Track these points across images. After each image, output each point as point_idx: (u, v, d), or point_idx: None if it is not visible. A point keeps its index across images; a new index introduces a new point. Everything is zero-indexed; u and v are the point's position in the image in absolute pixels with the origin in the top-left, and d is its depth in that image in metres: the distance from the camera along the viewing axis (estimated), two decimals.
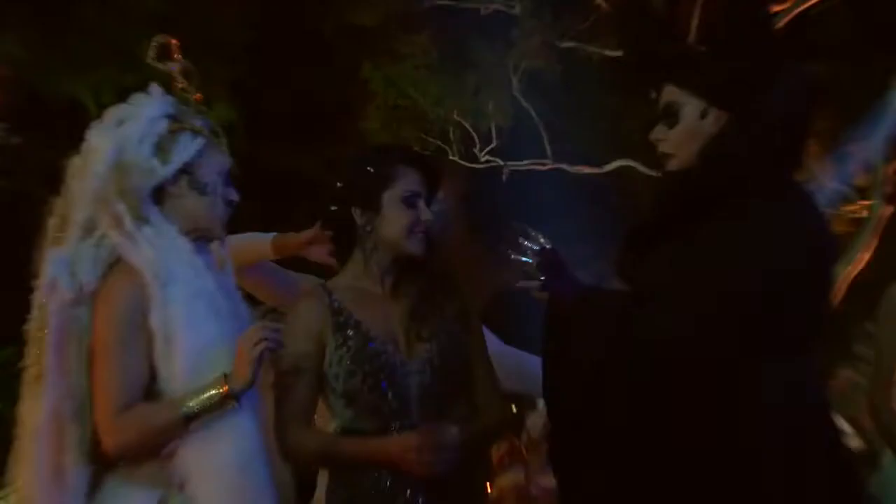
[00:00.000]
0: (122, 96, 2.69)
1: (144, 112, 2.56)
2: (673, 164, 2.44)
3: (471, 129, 13.00)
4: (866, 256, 10.75)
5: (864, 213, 11.38)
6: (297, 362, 2.61)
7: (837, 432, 2.37)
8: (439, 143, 13.04)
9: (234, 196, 2.65)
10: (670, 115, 2.42)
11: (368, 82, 12.90)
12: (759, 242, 2.24)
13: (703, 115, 2.38)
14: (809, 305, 2.30)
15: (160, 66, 2.66)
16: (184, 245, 2.54)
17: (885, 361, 3.35)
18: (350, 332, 2.61)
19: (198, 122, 2.61)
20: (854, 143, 10.95)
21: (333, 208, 2.72)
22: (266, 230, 3.34)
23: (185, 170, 2.57)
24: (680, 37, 2.44)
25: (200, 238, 2.65)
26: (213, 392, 2.38)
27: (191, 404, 2.38)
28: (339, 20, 12.86)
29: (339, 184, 2.73)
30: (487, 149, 12.98)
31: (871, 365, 3.44)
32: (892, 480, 3.32)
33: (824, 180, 10.97)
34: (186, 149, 2.56)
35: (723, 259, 2.23)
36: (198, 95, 2.67)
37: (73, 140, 2.68)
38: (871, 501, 2.61)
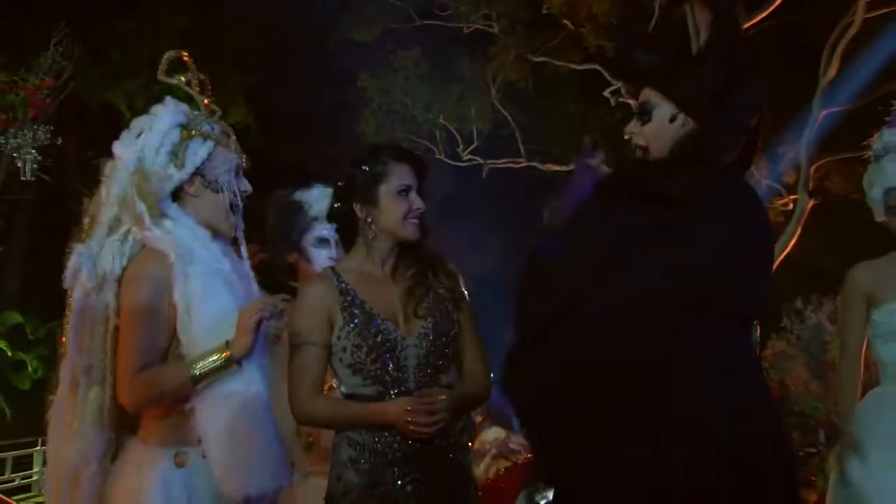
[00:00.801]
0: (152, 102, 2.69)
1: (159, 124, 2.55)
2: (645, 156, 2.43)
3: (455, 132, 13.02)
4: (792, 242, 10.84)
5: (791, 206, 11.48)
6: (309, 336, 2.61)
7: (774, 401, 2.37)
8: (427, 143, 13.05)
9: (247, 188, 2.64)
10: (644, 113, 2.42)
11: (365, 90, 12.89)
12: (719, 226, 2.25)
13: (672, 119, 2.38)
14: (759, 283, 2.31)
15: (168, 80, 2.64)
16: (201, 232, 2.53)
17: (848, 338, 3.20)
18: (356, 311, 2.61)
19: (206, 127, 2.59)
20: (783, 146, 11.01)
21: (336, 205, 2.73)
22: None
23: (199, 172, 2.54)
24: (664, 48, 2.43)
25: (217, 229, 2.61)
26: (216, 356, 2.37)
27: (197, 367, 2.37)
28: (339, 36, 12.82)
29: (339, 183, 2.73)
30: (469, 149, 13.00)
31: (798, 338, 3.38)
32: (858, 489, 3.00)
33: (759, 177, 11.06)
34: (197, 153, 2.54)
35: (686, 241, 2.23)
36: (207, 101, 2.66)
37: (109, 141, 2.68)
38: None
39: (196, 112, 2.60)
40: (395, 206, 2.63)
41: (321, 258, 3.18)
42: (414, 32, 12.79)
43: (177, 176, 2.50)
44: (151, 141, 2.51)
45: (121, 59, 12.13)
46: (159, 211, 2.47)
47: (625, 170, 2.44)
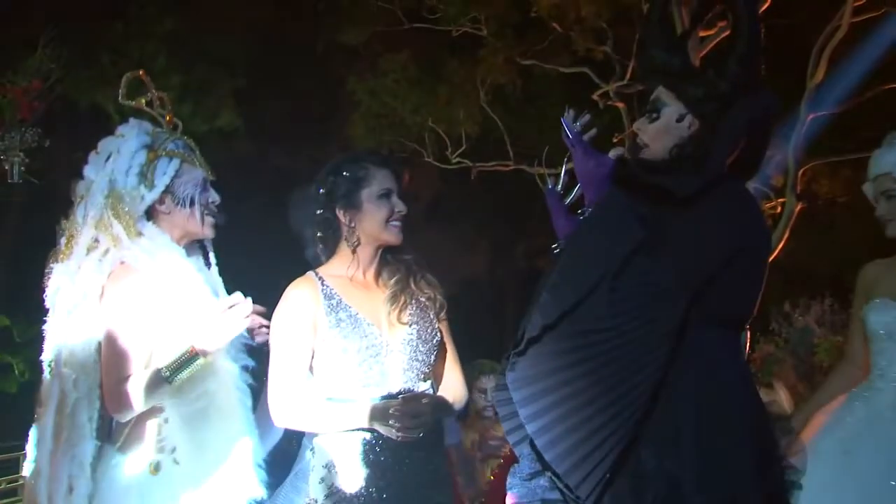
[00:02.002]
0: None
1: (125, 146, 2.65)
2: (645, 154, 2.44)
3: (444, 135, 13.02)
4: (780, 245, 10.89)
5: (779, 209, 11.53)
6: (292, 339, 2.63)
7: (759, 399, 2.38)
8: (416, 146, 13.05)
9: (216, 198, 2.71)
10: (654, 111, 2.44)
11: (354, 93, 12.89)
12: (715, 228, 2.27)
13: (679, 119, 2.40)
14: (751, 286, 2.33)
15: (129, 103, 2.71)
16: (175, 250, 2.61)
17: (851, 336, 3.26)
18: (342, 314, 2.63)
19: (171, 146, 2.67)
20: (771, 150, 11.04)
21: (319, 212, 2.75)
22: (263, 222, 3.34)
23: (168, 190, 2.64)
24: (684, 51, 2.46)
25: (192, 242, 2.72)
26: (183, 351, 2.44)
27: (165, 365, 2.43)
28: (328, 39, 12.82)
29: (321, 190, 2.75)
30: (458, 152, 13.01)
31: (786, 341, 3.42)
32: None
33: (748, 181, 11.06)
34: (165, 172, 2.63)
35: (685, 240, 2.25)
36: (168, 117, 2.73)
37: (97, 144, 2.71)
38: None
39: (159, 130, 2.70)
40: (377, 209, 2.67)
41: None
42: (402, 35, 12.79)
43: (148, 196, 2.61)
44: (120, 164, 2.63)
45: (109, 62, 12.11)
46: (136, 230, 2.56)
47: (632, 167, 2.46)
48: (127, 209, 2.58)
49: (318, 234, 2.75)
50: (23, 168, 8.73)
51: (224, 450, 2.50)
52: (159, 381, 2.44)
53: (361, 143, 12.05)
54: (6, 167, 9.15)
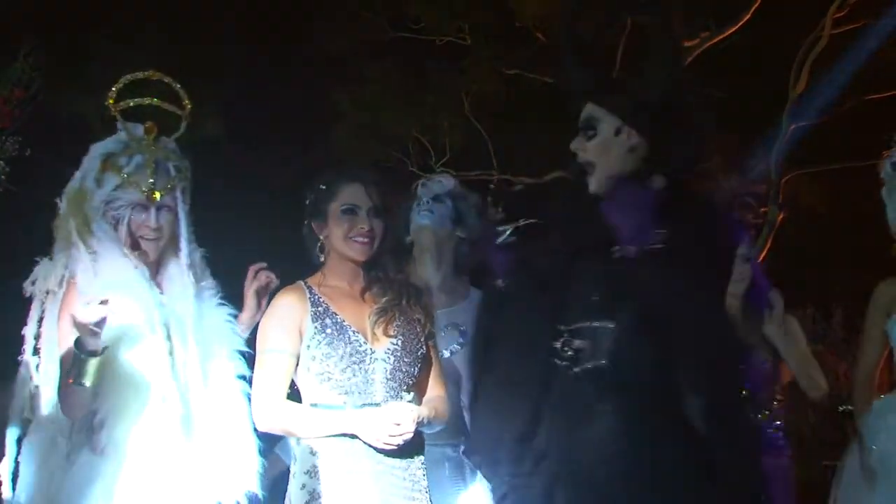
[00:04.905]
0: (123, 114, 2.71)
1: (92, 150, 2.71)
2: (594, 173, 2.44)
3: (427, 144, 13.02)
4: (762, 254, 10.95)
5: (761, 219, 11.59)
6: (277, 345, 2.64)
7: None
8: (400, 156, 13.05)
9: (150, 223, 2.65)
10: (589, 129, 2.44)
11: (337, 103, 12.87)
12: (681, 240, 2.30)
13: (617, 132, 2.40)
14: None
15: (130, 103, 2.72)
16: (124, 262, 2.62)
17: (867, 348, 3.30)
18: (328, 321, 2.64)
19: (122, 160, 2.65)
20: (754, 159, 11.13)
21: (306, 222, 2.78)
22: (246, 230, 3.35)
23: (109, 203, 2.65)
24: (602, 64, 2.48)
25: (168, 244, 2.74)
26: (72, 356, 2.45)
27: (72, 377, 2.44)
28: (312, 47, 12.80)
29: (306, 202, 2.79)
30: (442, 161, 13.01)
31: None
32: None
33: (729, 190, 11.11)
34: (106, 186, 2.64)
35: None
36: (149, 126, 2.72)
37: (79, 152, 2.72)
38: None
39: (130, 140, 2.69)
40: (338, 224, 2.70)
41: None
42: (387, 44, 12.80)
43: (97, 200, 2.64)
44: (85, 164, 2.70)
45: (93, 72, 12.05)
46: (89, 229, 2.60)
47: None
48: (83, 210, 2.63)
49: (308, 245, 2.79)
50: (3, 176, 8.67)
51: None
52: (76, 392, 2.45)
53: (345, 153, 12.03)
54: None
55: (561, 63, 2.52)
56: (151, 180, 2.64)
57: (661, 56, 2.40)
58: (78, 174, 2.69)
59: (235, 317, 2.81)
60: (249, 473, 2.67)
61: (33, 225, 2.83)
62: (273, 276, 2.81)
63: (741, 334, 2.30)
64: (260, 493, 2.70)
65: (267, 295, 2.80)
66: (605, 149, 2.40)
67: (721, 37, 11.07)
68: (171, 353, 2.58)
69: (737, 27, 11.12)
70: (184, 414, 2.57)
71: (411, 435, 2.56)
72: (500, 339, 2.45)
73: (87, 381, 2.42)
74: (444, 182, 3.50)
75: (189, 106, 2.77)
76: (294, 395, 2.69)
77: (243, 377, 2.73)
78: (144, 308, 2.59)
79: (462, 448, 3.13)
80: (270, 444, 2.87)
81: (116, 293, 2.47)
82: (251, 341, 2.76)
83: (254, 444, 2.70)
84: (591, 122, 2.43)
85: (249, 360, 2.73)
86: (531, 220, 2.59)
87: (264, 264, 2.84)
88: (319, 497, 2.56)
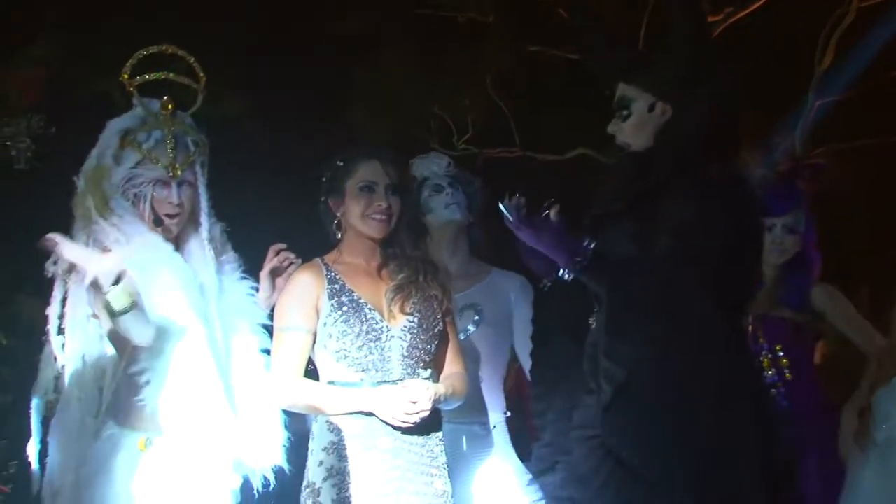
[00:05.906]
0: (142, 90, 2.72)
1: (111, 126, 2.71)
2: (627, 152, 2.45)
3: (449, 122, 12.99)
4: None
5: None
6: (295, 322, 2.65)
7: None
8: (423, 131, 13.01)
9: (173, 198, 2.67)
10: (623, 108, 2.45)
11: (359, 80, 12.84)
12: (710, 213, 2.28)
13: (651, 109, 2.41)
14: (748, 268, 2.34)
15: (147, 77, 2.71)
16: (153, 237, 2.64)
17: (888, 361, 3.28)
18: (344, 299, 2.65)
19: (141, 136, 2.66)
20: (779, 136, 11.02)
21: (322, 199, 2.79)
22: (268, 208, 3.36)
23: (129, 180, 2.66)
24: (630, 43, 2.48)
25: (188, 224, 2.76)
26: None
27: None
28: (333, 26, 12.77)
29: (323, 179, 2.80)
30: (464, 138, 12.98)
31: None
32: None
33: (754, 166, 11.03)
34: (126, 162, 2.66)
35: (680, 227, 2.26)
36: (166, 103, 2.72)
37: (101, 129, 2.72)
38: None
39: (148, 115, 2.72)
40: (356, 201, 2.71)
41: None
42: (408, 22, 12.74)
43: (116, 177, 2.66)
44: (102, 141, 2.70)
45: (114, 50, 12.09)
46: (109, 207, 2.61)
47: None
48: (102, 186, 2.63)
49: (325, 222, 2.80)
50: (29, 153, 8.73)
51: (205, 426, 2.52)
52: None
53: (366, 131, 12.02)
54: (12, 153, 9.16)
55: (589, 45, 2.52)
56: (172, 155, 2.64)
57: (687, 30, 2.39)
58: (95, 151, 2.69)
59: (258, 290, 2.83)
60: (275, 447, 2.68)
61: (60, 202, 2.85)
62: (293, 256, 2.82)
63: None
64: (286, 467, 2.73)
65: (283, 275, 2.82)
66: (640, 126, 2.41)
67: (745, 11, 10.91)
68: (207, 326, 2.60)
69: (762, 1, 10.96)
70: (216, 388, 2.59)
71: (428, 412, 2.57)
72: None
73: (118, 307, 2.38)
74: (440, 161, 3.48)
75: (204, 79, 2.76)
76: (311, 373, 2.70)
77: (266, 351, 2.74)
78: (183, 284, 2.60)
79: (490, 424, 3.13)
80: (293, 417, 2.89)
81: (156, 270, 2.49)
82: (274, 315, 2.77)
83: (279, 417, 2.72)
84: (624, 102, 2.44)
85: (272, 334, 2.74)
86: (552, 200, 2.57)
87: (283, 245, 2.85)
88: (337, 473, 2.57)
